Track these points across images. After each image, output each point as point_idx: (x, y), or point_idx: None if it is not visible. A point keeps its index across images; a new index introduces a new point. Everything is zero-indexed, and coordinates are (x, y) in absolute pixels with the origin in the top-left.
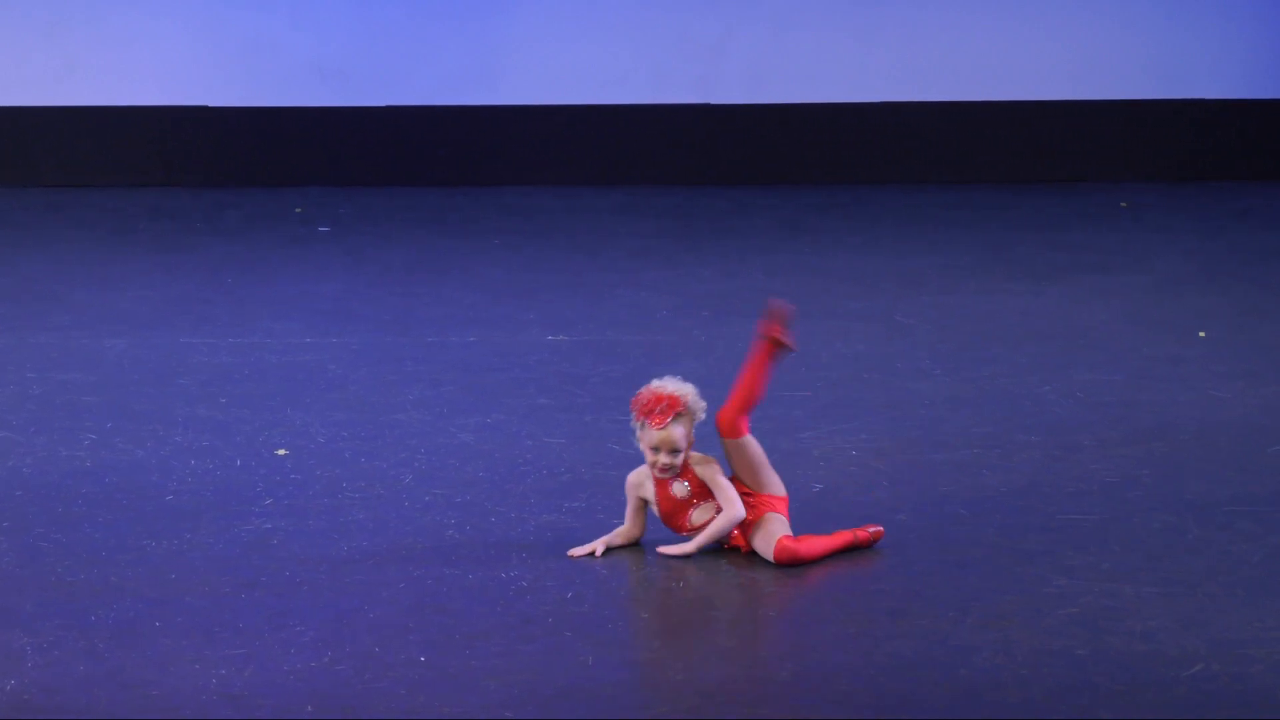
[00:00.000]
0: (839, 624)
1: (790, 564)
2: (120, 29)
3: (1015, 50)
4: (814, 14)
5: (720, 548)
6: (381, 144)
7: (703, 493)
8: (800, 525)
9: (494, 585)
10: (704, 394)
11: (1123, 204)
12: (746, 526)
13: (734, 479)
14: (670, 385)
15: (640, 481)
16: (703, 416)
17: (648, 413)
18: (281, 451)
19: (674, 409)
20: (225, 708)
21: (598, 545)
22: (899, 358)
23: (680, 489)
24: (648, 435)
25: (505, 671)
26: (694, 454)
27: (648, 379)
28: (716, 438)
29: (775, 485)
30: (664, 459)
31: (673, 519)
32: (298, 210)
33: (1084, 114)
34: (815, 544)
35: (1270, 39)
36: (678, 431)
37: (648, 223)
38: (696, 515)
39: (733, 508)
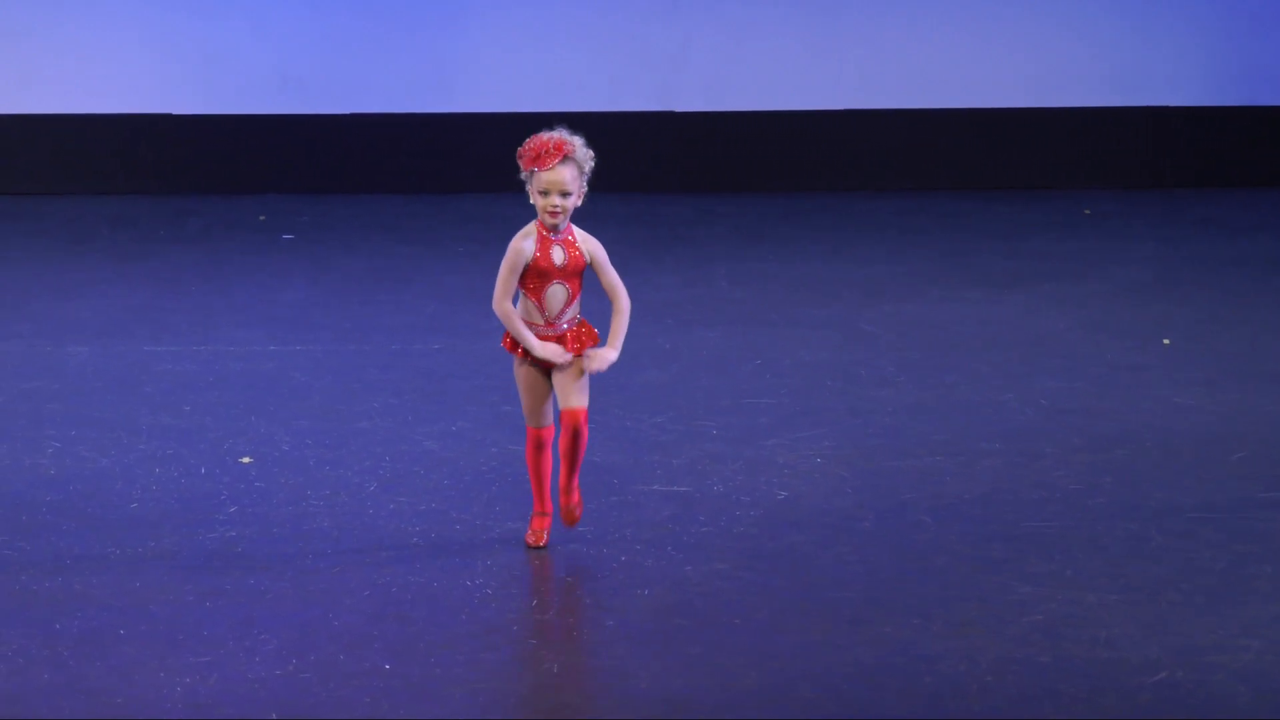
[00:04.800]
0: (802, 632)
1: (575, 434)
2: (79, 37)
3: (976, 58)
4: (774, 22)
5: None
6: (343, 151)
7: (573, 274)
8: (765, 531)
9: (459, 593)
10: (663, 399)
11: (1086, 211)
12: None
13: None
14: (555, 132)
15: (524, 246)
16: (590, 165)
17: (535, 157)
18: (246, 459)
19: (561, 151)
20: (189, 715)
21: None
22: (861, 365)
23: (558, 255)
24: (537, 180)
25: (470, 680)
26: (577, 231)
27: (611, 387)
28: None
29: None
30: (556, 200)
31: (537, 279)
32: (261, 218)
33: (1044, 121)
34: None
35: (1230, 47)
36: (566, 172)
37: (609, 230)
38: (550, 295)
39: (624, 297)
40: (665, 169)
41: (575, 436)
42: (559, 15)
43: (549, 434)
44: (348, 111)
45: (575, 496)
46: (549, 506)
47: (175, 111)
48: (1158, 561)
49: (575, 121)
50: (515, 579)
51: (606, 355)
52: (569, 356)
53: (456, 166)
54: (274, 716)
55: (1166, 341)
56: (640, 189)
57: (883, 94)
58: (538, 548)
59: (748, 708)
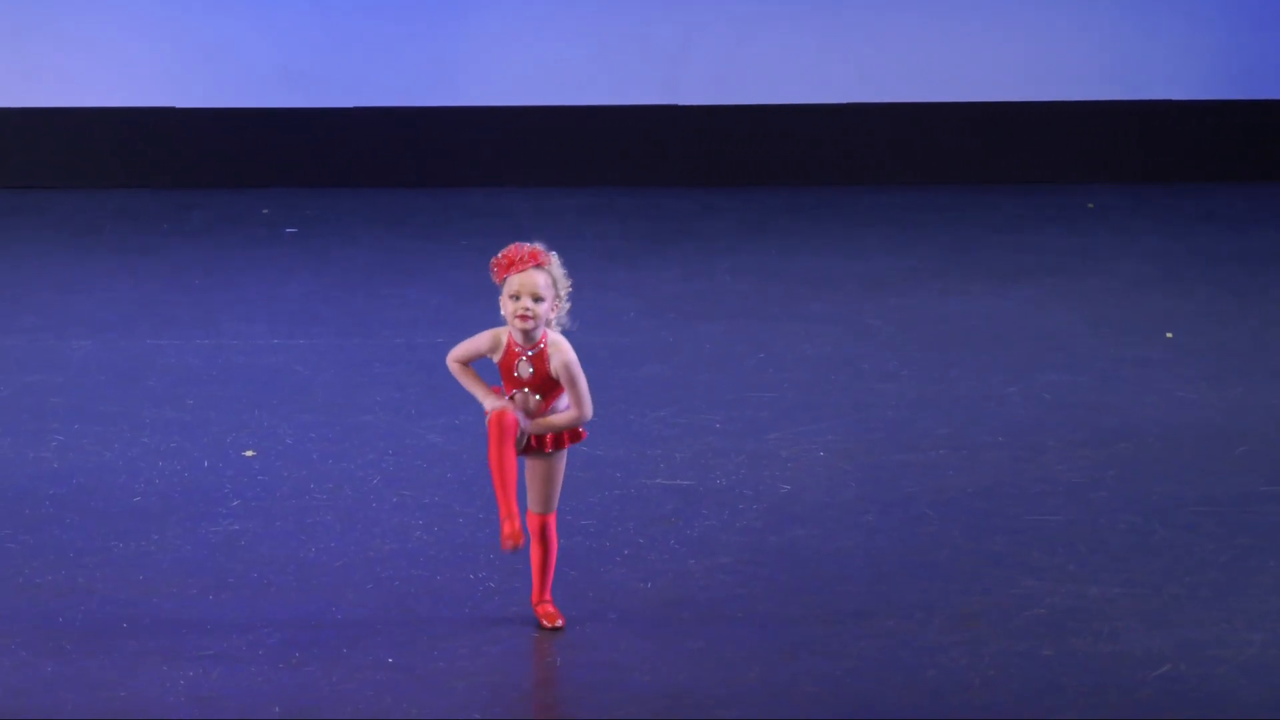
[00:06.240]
0: (806, 625)
1: (542, 539)
2: (83, 31)
3: (978, 52)
4: (777, 16)
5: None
6: (346, 145)
7: (542, 386)
8: (768, 525)
9: (461, 586)
10: (666, 393)
11: (1089, 205)
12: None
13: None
14: (531, 244)
15: (492, 344)
16: (567, 287)
17: (508, 264)
18: (249, 453)
19: (534, 258)
20: (193, 709)
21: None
22: (864, 359)
23: (524, 369)
24: (508, 285)
25: (472, 673)
26: (554, 336)
27: (614, 381)
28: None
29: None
30: (527, 303)
31: (506, 382)
32: (264, 212)
33: (1047, 116)
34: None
35: (1231, 41)
36: (539, 277)
37: (612, 224)
38: (520, 398)
39: (584, 409)
40: (668, 163)
41: (544, 542)
42: (562, 9)
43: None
44: (351, 105)
45: (551, 607)
46: (515, 508)
47: (178, 105)
48: (1160, 555)
49: (579, 115)
50: (518, 572)
51: (527, 422)
52: (513, 416)
53: (460, 160)
54: (277, 709)
55: (1169, 335)
56: (643, 183)
57: (886, 88)
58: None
59: (750, 701)
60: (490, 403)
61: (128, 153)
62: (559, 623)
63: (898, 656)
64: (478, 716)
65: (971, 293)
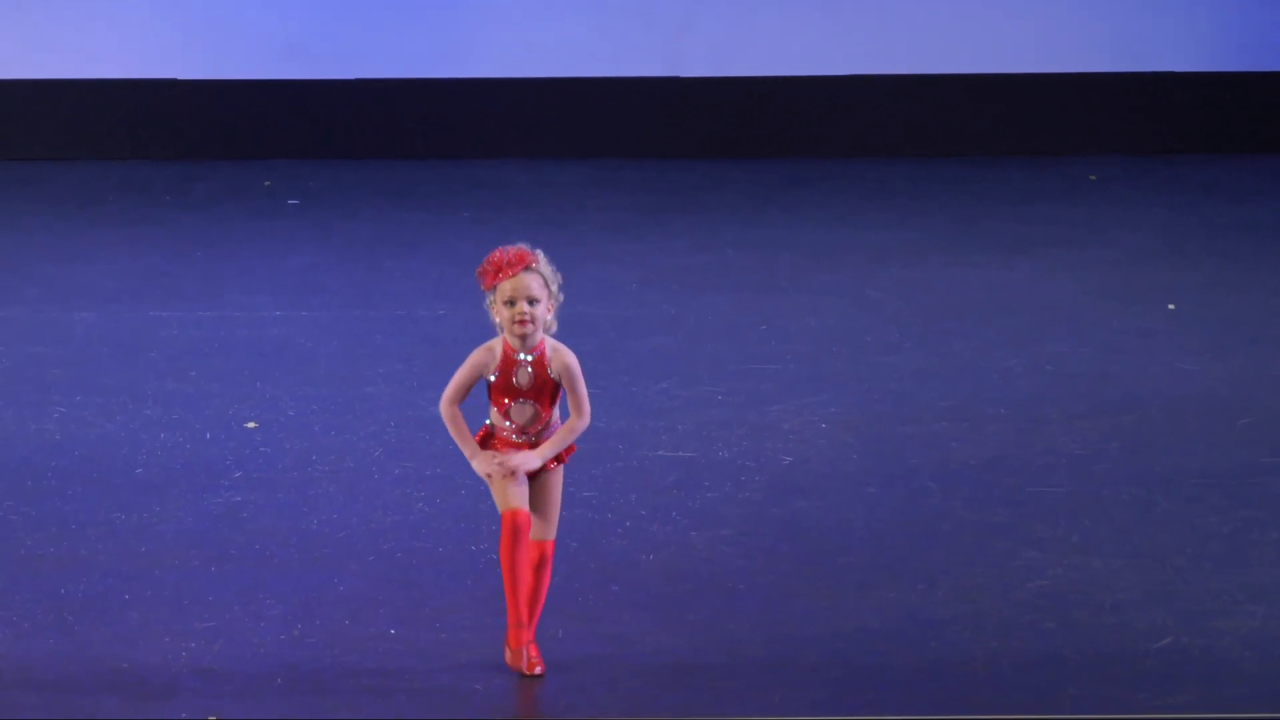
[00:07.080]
0: (808, 597)
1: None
2: (86, 3)
3: (982, 24)
4: None
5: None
6: (349, 118)
7: (540, 393)
8: (770, 497)
9: (463, 558)
10: (669, 365)
11: (1091, 177)
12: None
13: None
14: (514, 245)
15: (486, 361)
16: (558, 283)
17: (496, 270)
18: (251, 425)
19: (522, 261)
20: (195, 681)
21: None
22: (868, 331)
23: (523, 377)
24: (500, 291)
25: (475, 645)
26: (552, 340)
27: (618, 352)
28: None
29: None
30: (524, 307)
31: (499, 395)
32: (266, 184)
33: (1051, 87)
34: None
35: (1236, 12)
36: (532, 280)
37: (616, 196)
38: (515, 410)
39: (585, 414)
40: (673, 135)
41: (538, 574)
42: None
43: (526, 519)
44: (354, 77)
45: (534, 649)
46: (526, 616)
47: (182, 77)
48: (1163, 527)
49: (582, 87)
50: None
51: (526, 459)
52: (509, 469)
53: (463, 133)
54: (279, 681)
55: (1172, 307)
56: (648, 154)
57: (891, 60)
58: (533, 675)
59: (753, 673)
60: (479, 463)
61: (130, 125)
62: (538, 670)
63: (900, 628)
64: (480, 688)
65: (974, 265)
